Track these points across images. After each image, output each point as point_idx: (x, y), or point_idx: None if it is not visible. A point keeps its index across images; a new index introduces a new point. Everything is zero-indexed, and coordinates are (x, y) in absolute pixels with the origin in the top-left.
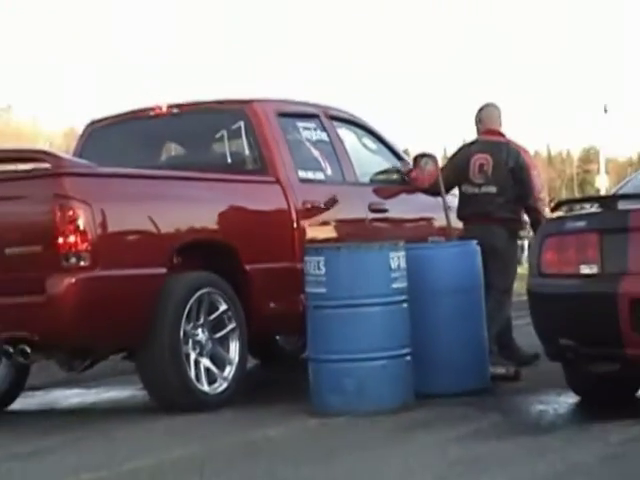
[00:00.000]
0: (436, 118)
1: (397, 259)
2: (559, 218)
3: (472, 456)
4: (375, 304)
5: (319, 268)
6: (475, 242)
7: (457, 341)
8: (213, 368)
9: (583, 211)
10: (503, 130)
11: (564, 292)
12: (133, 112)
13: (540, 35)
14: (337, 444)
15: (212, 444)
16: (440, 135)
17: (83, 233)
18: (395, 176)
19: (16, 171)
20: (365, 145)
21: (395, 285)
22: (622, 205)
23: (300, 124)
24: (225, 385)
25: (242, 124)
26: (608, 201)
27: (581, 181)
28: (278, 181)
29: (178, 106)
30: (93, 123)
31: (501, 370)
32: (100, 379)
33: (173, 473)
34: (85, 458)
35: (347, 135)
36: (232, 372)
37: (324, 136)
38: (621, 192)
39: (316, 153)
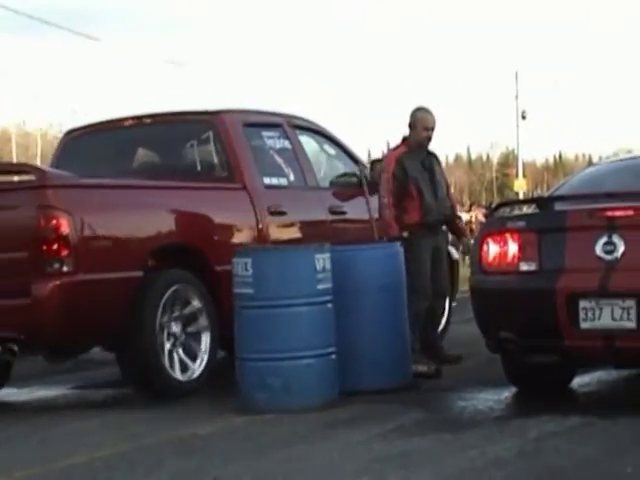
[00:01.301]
0: (360, 122)
1: (322, 260)
2: (499, 218)
3: (395, 452)
4: (301, 304)
5: (246, 269)
6: (399, 244)
7: (380, 339)
8: (185, 358)
9: (522, 212)
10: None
11: (505, 288)
12: (108, 122)
13: (461, 41)
14: (264, 441)
15: (143, 442)
16: (364, 139)
17: (65, 240)
18: (353, 180)
19: (3, 183)
20: (325, 151)
21: (320, 286)
22: (559, 206)
23: (265, 133)
24: (197, 374)
25: (211, 134)
26: (545, 202)
27: (500, 184)
28: (244, 188)
29: (151, 116)
30: (69, 132)
31: (423, 368)
32: (31, 378)
33: (105, 471)
34: (18, 456)
35: (308, 142)
36: (203, 363)
37: (287, 144)
38: (557, 194)
39: (280, 160)
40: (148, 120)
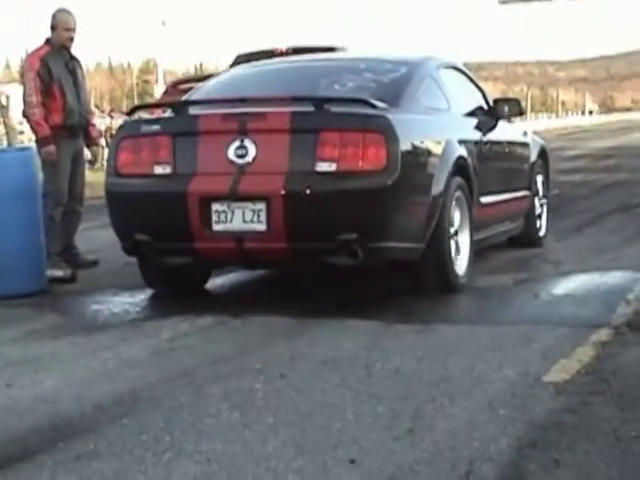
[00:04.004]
0: None
1: None
2: (134, 122)
3: (28, 355)
4: None
5: None
6: (34, 148)
7: (15, 245)
8: None
9: (157, 115)
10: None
11: (139, 191)
12: None
13: None
14: None
15: None
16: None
17: None
18: None
19: None
20: None
21: None
22: (193, 110)
23: None
24: None
25: None
26: (180, 106)
27: (141, 91)
28: None
29: None
30: None
31: (59, 272)
32: None
33: None
34: None
35: None
36: None
37: None
38: (191, 99)
39: None
40: None
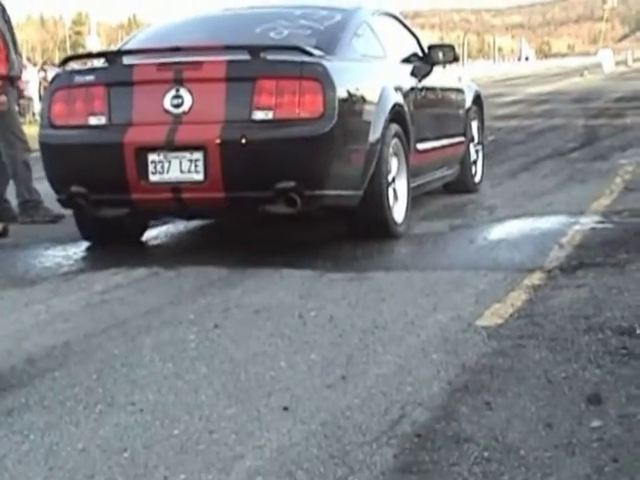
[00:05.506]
0: None
1: None
2: (68, 72)
3: None
4: None
5: None
6: None
7: None
8: None
9: (91, 65)
10: None
11: (74, 142)
12: None
13: None
14: None
15: None
16: None
17: None
18: None
19: None
20: None
21: None
22: (127, 60)
23: None
24: None
25: None
26: (114, 56)
27: (73, 43)
28: None
29: None
30: None
31: None
32: None
33: None
34: None
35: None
36: None
37: None
38: (125, 48)
39: None
40: None
